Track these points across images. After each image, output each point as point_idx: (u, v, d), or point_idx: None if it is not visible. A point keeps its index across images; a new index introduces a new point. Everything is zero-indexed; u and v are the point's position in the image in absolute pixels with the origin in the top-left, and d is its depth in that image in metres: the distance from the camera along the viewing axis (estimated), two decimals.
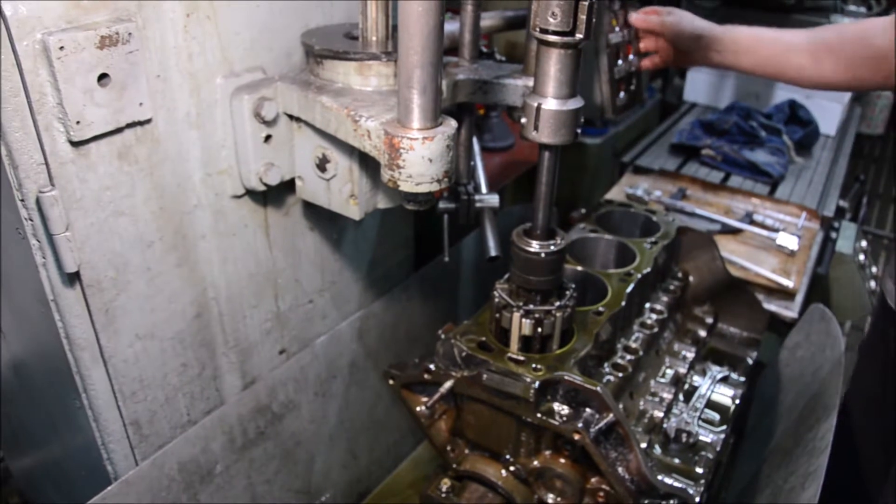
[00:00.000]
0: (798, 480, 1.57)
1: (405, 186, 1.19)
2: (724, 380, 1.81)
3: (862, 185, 3.95)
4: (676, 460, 1.55)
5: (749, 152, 3.20)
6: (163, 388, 1.51)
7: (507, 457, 1.52)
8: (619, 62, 1.98)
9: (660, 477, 1.46)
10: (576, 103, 1.22)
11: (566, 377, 1.35)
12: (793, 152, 3.33)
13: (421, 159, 1.16)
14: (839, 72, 1.79)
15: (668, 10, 1.97)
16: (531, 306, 1.40)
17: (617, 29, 1.98)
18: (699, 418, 1.65)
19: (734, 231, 2.66)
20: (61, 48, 1.10)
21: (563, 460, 1.46)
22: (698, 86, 4.05)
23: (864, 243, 3.13)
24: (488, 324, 1.50)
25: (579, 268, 1.73)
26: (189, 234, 1.43)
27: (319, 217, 1.70)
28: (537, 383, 1.33)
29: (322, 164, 1.46)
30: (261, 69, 1.44)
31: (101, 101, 1.18)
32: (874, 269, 3.12)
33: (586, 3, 1.09)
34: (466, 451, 1.60)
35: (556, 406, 1.38)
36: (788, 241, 2.54)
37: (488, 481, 1.54)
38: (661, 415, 1.63)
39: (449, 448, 1.61)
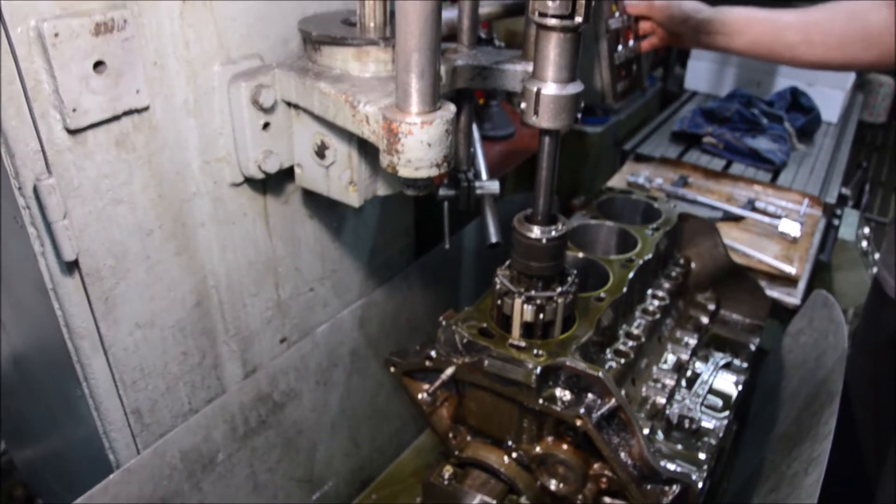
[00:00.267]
0: (801, 466, 1.57)
1: (404, 172, 1.18)
2: (727, 366, 1.80)
3: (864, 173, 3.94)
4: (679, 446, 1.55)
5: (751, 140, 3.19)
6: (163, 377, 1.50)
7: (510, 443, 1.52)
8: (620, 48, 1.97)
9: (662, 463, 1.46)
10: (576, 87, 1.21)
11: (568, 363, 1.34)
12: (795, 139, 3.32)
13: (420, 144, 1.15)
14: (830, 50, 1.78)
15: None
16: (533, 292, 1.40)
17: (617, 14, 1.97)
18: (702, 404, 1.65)
19: (736, 218, 2.65)
20: (56, 35, 1.09)
21: (565, 446, 1.45)
22: (699, 74, 4.04)
23: (866, 230, 3.13)
24: (490, 310, 1.49)
25: (580, 254, 1.72)
26: (188, 222, 1.43)
27: (319, 205, 1.70)
28: (539, 369, 1.33)
29: (321, 151, 1.45)
30: (258, 56, 1.43)
31: (98, 88, 1.17)
32: (876, 256, 3.11)
33: None
34: (468, 438, 1.60)
35: (558, 392, 1.38)
36: (791, 227, 2.54)
37: (490, 468, 1.54)
38: (663, 401, 1.63)
39: (451, 435, 1.61)
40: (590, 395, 1.36)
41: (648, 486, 1.41)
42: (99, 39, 1.14)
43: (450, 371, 1.44)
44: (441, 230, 1.78)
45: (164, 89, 1.29)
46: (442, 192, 1.63)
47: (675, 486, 1.41)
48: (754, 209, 2.70)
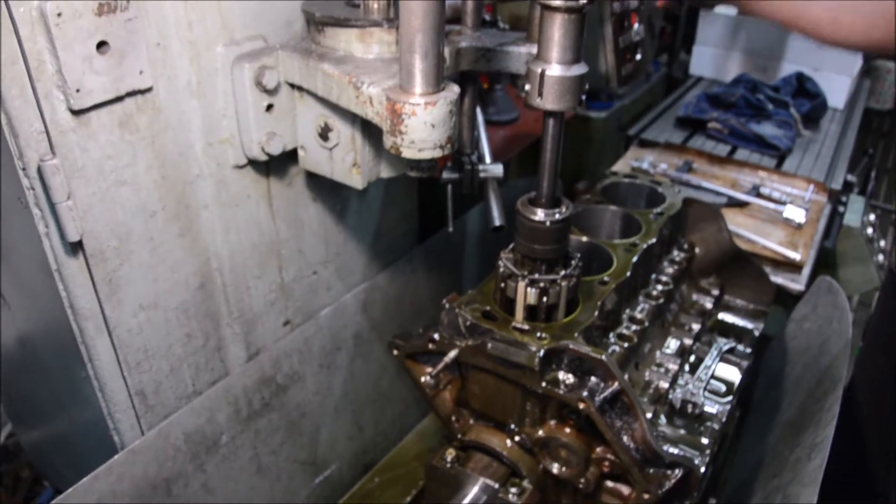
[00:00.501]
0: (804, 451, 1.57)
1: (408, 153, 1.18)
2: (731, 351, 1.80)
3: (870, 159, 3.92)
4: (682, 431, 1.55)
5: (756, 125, 3.17)
6: (167, 359, 1.51)
7: (512, 427, 1.52)
8: (624, 31, 1.96)
9: (665, 447, 1.46)
10: (580, 69, 1.20)
11: (571, 346, 1.34)
12: (800, 125, 3.30)
13: (423, 125, 1.15)
14: (855, 31, 1.72)
15: None
16: (536, 275, 1.39)
17: None
18: (705, 389, 1.65)
19: (741, 204, 2.64)
20: (59, 14, 1.08)
21: (568, 430, 1.45)
22: (704, 59, 4.01)
23: (872, 217, 3.11)
24: (493, 293, 1.49)
25: (584, 238, 1.72)
26: (191, 203, 1.43)
27: (322, 188, 1.69)
28: (542, 352, 1.33)
29: (324, 133, 1.45)
30: (261, 38, 1.43)
31: (101, 68, 1.17)
32: (882, 243, 3.10)
33: None
34: (471, 422, 1.60)
35: (561, 375, 1.38)
36: (796, 213, 2.53)
37: (493, 451, 1.54)
38: (666, 386, 1.63)
39: (454, 418, 1.62)
40: (593, 379, 1.36)
41: (651, 470, 1.41)
42: (102, 20, 1.14)
43: (453, 354, 1.44)
44: (445, 214, 1.78)
45: (167, 70, 1.29)
46: (446, 175, 1.63)
47: (677, 470, 1.42)
48: (759, 195, 2.69)
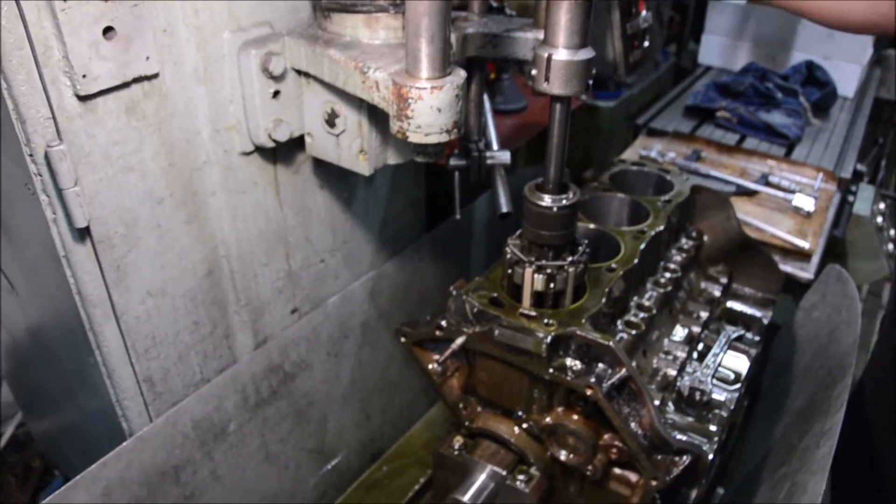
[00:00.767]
0: (812, 439, 1.56)
1: (414, 137, 1.18)
2: (739, 339, 1.80)
3: (881, 149, 3.89)
4: (690, 418, 1.55)
5: (765, 114, 3.15)
6: (175, 346, 1.51)
7: (520, 414, 1.52)
8: (632, 17, 1.94)
9: (673, 433, 1.45)
10: (587, 53, 1.19)
11: (578, 332, 1.34)
12: (810, 114, 3.28)
13: (430, 109, 1.14)
14: (858, 12, 1.70)
15: None
16: (543, 262, 1.39)
17: None
18: (713, 377, 1.64)
19: (750, 193, 2.63)
20: None
21: (575, 417, 1.45)
22: (713, 48, 3.98)
23: (882, 206, 3.09)
24: (500, 280, 1.49)
25: (592, 225, 1.72)
26: (199, 191, 1.43)
27: (329, 175, 1.69)
28: (549, 338, 1.33)
29: (331, 120, 1.45)
30: (268, 24, 1.42)
31: (107, 54, 1.17)
32: (892, 233, 3.08)
33: None
34: (479, 409, 1.60)
35: (569, 361, 1.38)
36: (805, 202, 2.52)
37: (501, 438, 1.54)
38: (674, 373, 1.63)
39: (461, 406, 1.62)
40: (600, 365, 1.36)
41: (658, 457, 1.41)
42: (108, 5, 1.14)
43: (460, 340, 1.44)
44: (452, 202, 1.77)
45: (173, 56, 1.29)
46: (453, 161, 1.63)
47: (685, 457, 1.41)
48: (768, 184, 2.68)
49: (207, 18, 1.32)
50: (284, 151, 1.57)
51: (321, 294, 1.84)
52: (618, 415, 1.35)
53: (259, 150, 1.50)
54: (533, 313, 1.39)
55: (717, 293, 1.94)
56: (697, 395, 1.59)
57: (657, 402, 1.55)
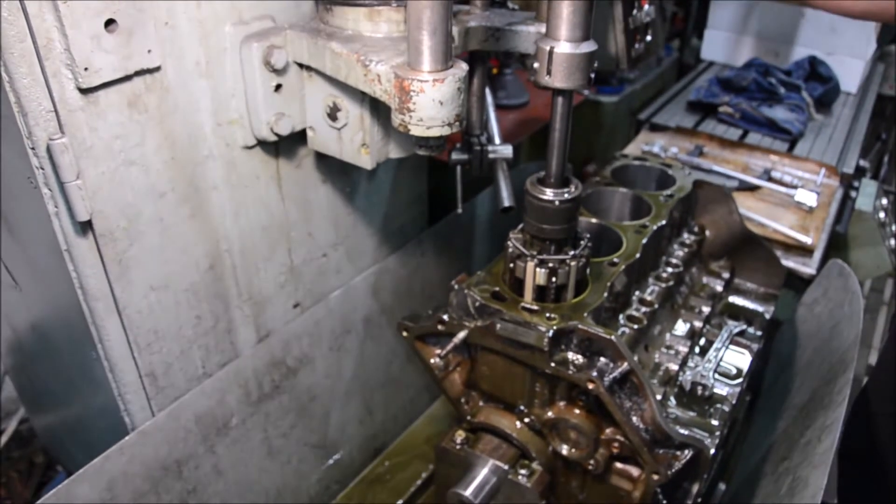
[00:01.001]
0: (814, 434, 1.56)
1: (416, 130, 1.17)
2: (741, 334, 1.79)
3: (883, 144, 3.88)
4: (692, 413, 1.55)
5: (768, 109, 3.14)
6: (177, 340, 1.51)
7: (522, 408, 1.52)
8: (635, 11, 1.93)
9: (675, 428, 1.45)
10: (589, 46, 1.19)
11: (580, 326, 1.34)
12: (812, 109, 3.27)
13: (431, 102, 1.14)
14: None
15: None
16: (545, 256, 1.39)
17: None
18: (715, 371, 1.64)
19: (752, 188, 2.63)
20: None
21: (577, 411, 1.45)
22: (716, 44, 3.97)
23: (884, 201, 3.08)
24: (502, 274, 1.49)
25: (594, 220, 1.71)
26: (201, 185, 1.43)
27: (332, 169, 1.69)
28: (551, 332, 1.33)
29: (333, 114, 1.45)
30: (270, 17, 1.42)
31: (109, 47, 1.16)
32: (894, 228, 3.08)
33: None
34: (481, 403, 1.60)
35: (570, 356, 1.38)
36: (807, 197, 2.51)
37: (502, 433, 1.54)
38: (676, 367, 1.62)
39: (463, 400, 1.62)
40: (602, 359, 1.36)
41: (660, 451, 1.41)
42: None
43: (462, 334, 1.44)
44: (454, 197, 1.77)
45: (175, 49, 1.29)
46: (455, 156, 1.63)
47: (686, 451, 1.41)
48: (770, 179, 2.67)
49: (209, 11, 1.32)
50: (286, 145, 1.57)
51: (323, 289, 1.84)
52: (619, 409, 1.35)
53: (261, 144, 1.50)
54: (535, 307, 1.39)
55: (719, 288, 1.94)
56: (699, 390, 1.59)
57: (659, 397, 1.55)
